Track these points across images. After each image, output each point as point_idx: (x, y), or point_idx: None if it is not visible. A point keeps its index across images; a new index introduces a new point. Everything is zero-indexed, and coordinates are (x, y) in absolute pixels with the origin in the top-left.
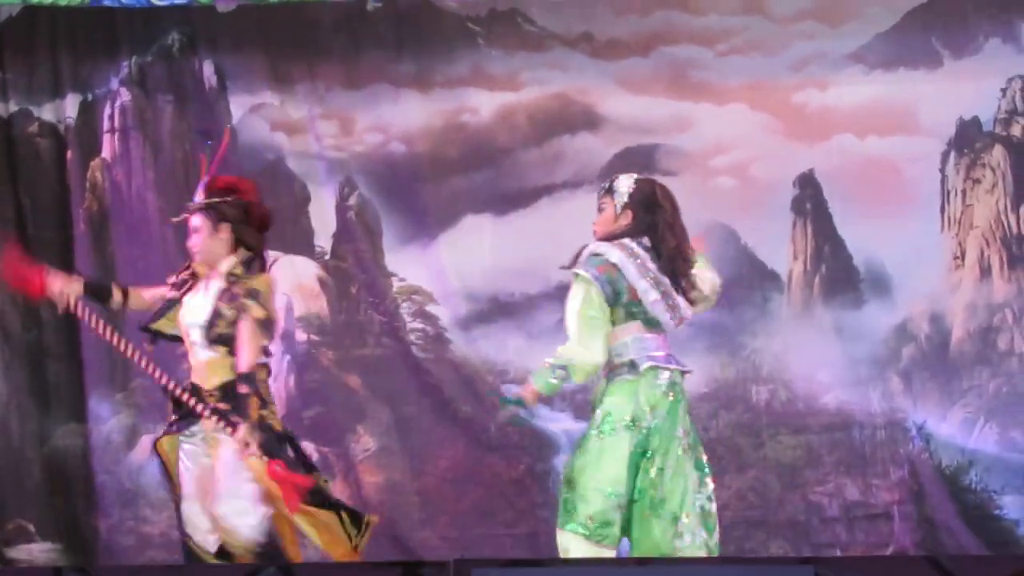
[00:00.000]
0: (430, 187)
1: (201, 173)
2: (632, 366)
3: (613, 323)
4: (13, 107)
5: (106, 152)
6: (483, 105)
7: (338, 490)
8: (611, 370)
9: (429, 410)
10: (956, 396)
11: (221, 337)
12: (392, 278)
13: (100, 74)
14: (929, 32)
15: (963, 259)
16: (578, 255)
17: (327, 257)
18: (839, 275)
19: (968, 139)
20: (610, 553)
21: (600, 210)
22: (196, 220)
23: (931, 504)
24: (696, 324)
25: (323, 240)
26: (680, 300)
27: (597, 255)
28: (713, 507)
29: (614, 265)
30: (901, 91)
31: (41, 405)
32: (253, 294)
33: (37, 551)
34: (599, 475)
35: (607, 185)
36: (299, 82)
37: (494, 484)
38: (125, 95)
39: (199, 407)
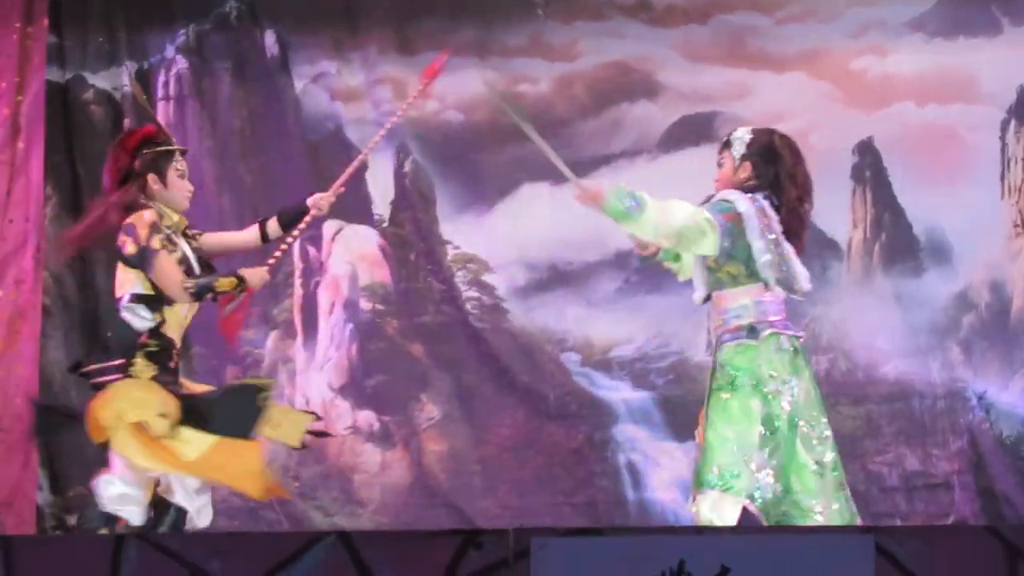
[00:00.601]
0: (487, 156)
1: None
2: (751, 330)
3: (733, 280)
4: (69, 74)
5: (161, 120)
6: (541, 75)
7: (400, 458)
8: (728, 332)
9: (488, 379)
10: (1017, 365)
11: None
12: (447, 246)
13: (156, 42)
14: (989, 0)
15: (1023, 227)
16: (709, 200)
17: (386, 224)
18: (899, 243)
19: None
20: (736, 504)
21: (719, 165)
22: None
23: (991, 474)
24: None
25: (381, 208)
26: (800, 269)
27: (727, 202)
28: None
29: (740, 215)
30: (961, 59)
31: None
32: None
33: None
34: (725, 429)
35: (725, 139)
36: (355, 49)
37: (554, 453)
38: (181, 63)
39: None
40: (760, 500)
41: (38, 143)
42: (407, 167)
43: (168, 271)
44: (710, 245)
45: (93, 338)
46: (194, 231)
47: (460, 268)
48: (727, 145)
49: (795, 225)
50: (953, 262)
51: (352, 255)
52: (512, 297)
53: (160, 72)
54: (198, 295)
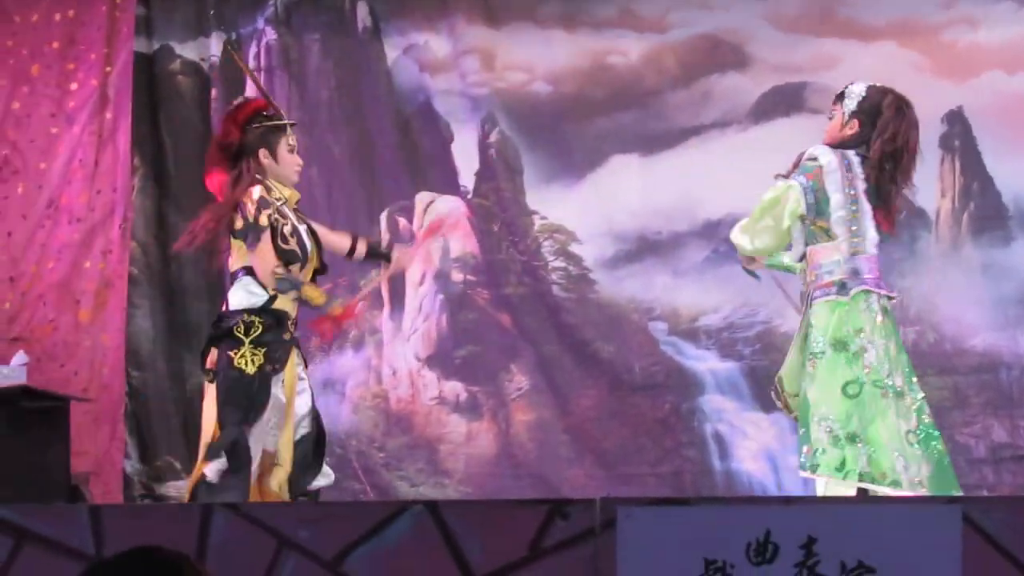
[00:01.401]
0: (575, 127)
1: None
2: (842, 287)
3: (825, 234)
4: (156, 44)
5: (249, 91)
6: (631, 47)
7: (487, 428)
8: (820, 288)
9: (571, 350)
10: None
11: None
12: (533, 216)
13: (245, 13)
14: None
15: None
16: (798, 160)
17: (470, 195)
18: (988, 212)
19: None
20: (837, 486)
21: (830, 117)
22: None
23: None
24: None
25: (467, 179)
26: (872, 232)
27: (813, 159)
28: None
29: (821, 169)
30: None
31: (183, 343)
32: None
33: (184, 487)
34: (812, 404)
35: (840, 92)
36: (443, 19)
37: (639, 424)
38: (271, 34)
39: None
40: (849, 471)
41: (125, 114)
42: (493, 137)
43: (264, 252)
44: (795, 207)
45: (179, 308)
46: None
47: (547, 238)
48: (840, 98)
49: (901, 184)
50: None
51: (444, 227)
52: (599, 268)
53: (251, 43)
54: (281, 290)
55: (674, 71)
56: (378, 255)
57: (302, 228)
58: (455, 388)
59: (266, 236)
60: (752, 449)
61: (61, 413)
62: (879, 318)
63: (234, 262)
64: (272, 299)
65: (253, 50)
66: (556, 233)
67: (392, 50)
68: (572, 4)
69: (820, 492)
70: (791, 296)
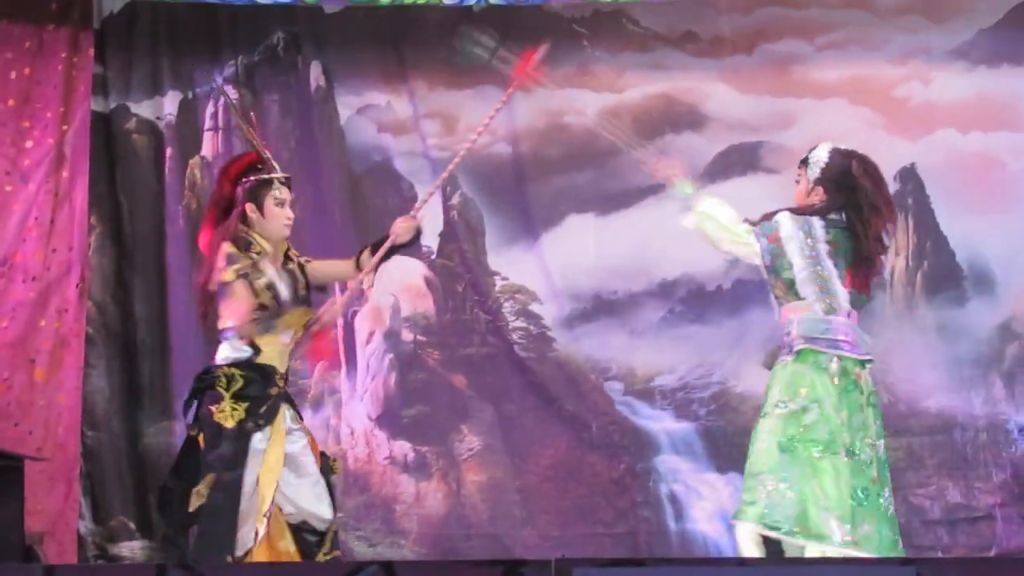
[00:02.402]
0: (533, 187)
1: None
2: (789, 348)
3: (783, 297)
4: (112, 103)
5: (206, 150)
6: (588, 105)
7: (436, 489)
8: (782, 348)
9: (532, 408)
10: None
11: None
12: (495, 277)
13: (203, 72)
14: None
15: None
16: (767, 216)
17: (434, 256)
18: (942, 272)
19: None
20: (748, 531)
21: (796, 181)
22: (289, 195)
23: None
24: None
25: (430, 239)
26: (841, 290)
27: (774, 224)
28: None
29: (780, 238)
30: (1004, 87)
31: (135, 402)
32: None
33: (137, 548)
34: (753, 458)
35: (804, 156)
36: (404, 82)
37: (595, 483)
38: (231, 93)
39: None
40: (774, 522)
41: (82, 172)
42: (455, 199)
43: (234, 306)
44: (751, 254)
45: (135, 368)
46: (304, 258)
47: (508, 299)
48: (804, 163)
49: (877, 250)
50: (997, 291)
51: (395, 286)
52: (558, 327)
53: (208, 102)
54: (263, 332)
55: (630, 130)
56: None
57: (282, 281)
58: (403, 448)
59: (239, 289)
60: (707, 510)
61: (15, 473)
62: (834, 379)
63: (220, 321)
64: (256, 353)
65: (211, 109)
66: (517, 293)
67: (345, 109)
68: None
69: (740, 540)
70: None
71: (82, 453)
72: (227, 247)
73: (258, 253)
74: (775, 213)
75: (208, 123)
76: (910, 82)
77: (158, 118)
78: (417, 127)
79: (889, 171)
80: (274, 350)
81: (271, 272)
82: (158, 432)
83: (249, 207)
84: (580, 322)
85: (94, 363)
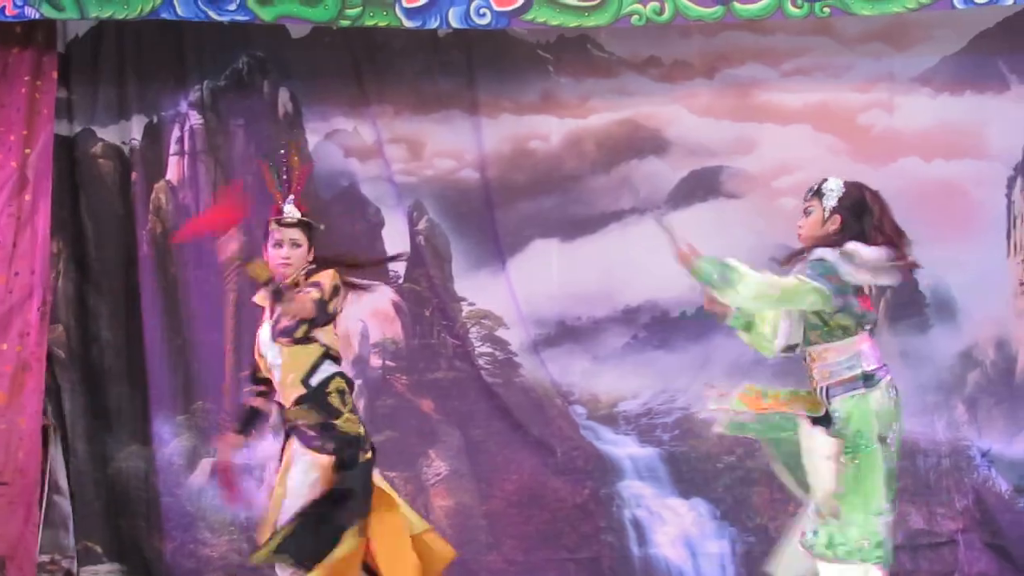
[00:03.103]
0: (499, 212)
1: (273, 186)
2: (868, 379)
3: (843, 333)
4: (77, 127)
5: (171, 175)
6: (552, 131)
7: None
8: (840, 384)
9: (498, 433)
10: (1022, 422)
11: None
12: (462, 302)
13: (168, 97)
14: (996, 56)
15: None
16: (794, 256)
17: (401, 281)
18: (905, 299)
19: None
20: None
21: (807, 213)
22: (296, 234)
23: (996, 532)
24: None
25: (397, 265)
26: (871, 313)
27: (824, 262)
28: None
29: (839, 274)
30: (968, 114)
31: (104, 427)
32: (314, 284)
33: (104, 572)
34: (857, 497)
35: (815, 188)
36: (369, 107)
37: (559, 508)
38: (195, 118)
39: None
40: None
41: (45, 196)
42: (422, 225)
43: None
44: (821, 303)
45: (102, 392)
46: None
47: (474, 324)
48: (818, 194)
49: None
50: (959, 319)
51: (364, 312)
52: (524, 352)
53: (173, 126)
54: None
55: (594, 156)
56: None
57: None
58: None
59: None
60: (670, 535)
61: None
62: (897, 400)
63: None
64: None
65: (176, 133)
66: (484, 319)
67: (313, 135)
68: (495, 89)
69: None
70: None
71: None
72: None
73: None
74: (801, 254)
75: (174, 147)
76: (874, 109)
77: (124, 142)
78: (382, 152)
79: None
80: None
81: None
82: (128, 456)
83: (263, 248)
84: (545, 347)
85: (60, 385)
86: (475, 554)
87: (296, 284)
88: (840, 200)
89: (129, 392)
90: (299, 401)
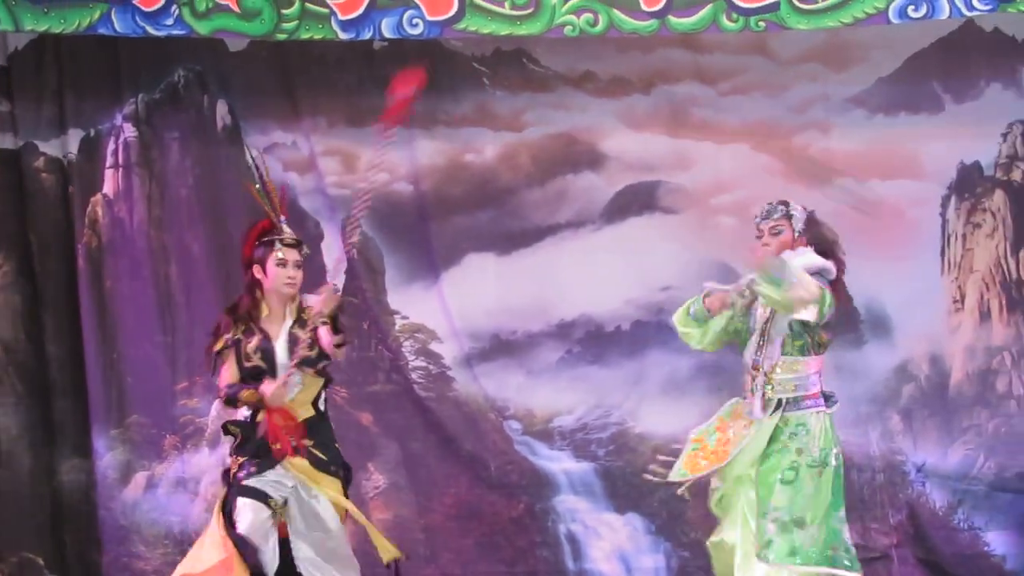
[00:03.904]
0: (433, 226)
1: (269, 205)
2: (828, 398)
3: (819, 349)
4: (21, 140)
5: (107, 188)
6: (487, 144)
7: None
8: (808, 398)
9: (434, 447)
10: (956, 434)
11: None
12: (395, 316)
13: (104, 110)
14: (931, 77)
15: (963, 303)
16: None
17: (340, 294)
18: (839, 316)
19: (969, 183)
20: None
21: (775, 232)
22: (298, 255)
23: (928, 546)
24: (697, 364)
25: (336, 277)
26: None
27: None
28: None
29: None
30: (903, 135)
31: (48, 440)
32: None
33: None
34: (836, 510)
35: (784, 209)
36: (305, 120)
37: (495, 522)
38: (130, 131)
39: None
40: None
41: None
42: (355, 238)
43: (222, 374)
44: (814, 313)
45: (46, 405)
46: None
47: (408, 338)
48: (787, 217)
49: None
50: (893, 335)
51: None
52: (458, 366)
53: (109, 140)
54: (229, 402)
55: (529, 169)
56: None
57: (284, 341)
58: None
59: (223, 359)
60: (605, 550)
61: None
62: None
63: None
64: (255, 414)
65: (111, 146)
66: (417, 333)
67: (252, 149)
68: (430, 102)
69: None
70: None
71: None
72: (222, 316)
73: (265, 316)
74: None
75: (109, 160)
76: (810, 130)
77: (64, 156)
78: (316, 165)
79: None
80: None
81: (256, 337)
82: (71, 470)
83: (256, 269)
84: (479, 362)
85: (2, 401)
86: (413, 567)
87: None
88: (806, 225)
89: (72, 405)
90: (308, 423)
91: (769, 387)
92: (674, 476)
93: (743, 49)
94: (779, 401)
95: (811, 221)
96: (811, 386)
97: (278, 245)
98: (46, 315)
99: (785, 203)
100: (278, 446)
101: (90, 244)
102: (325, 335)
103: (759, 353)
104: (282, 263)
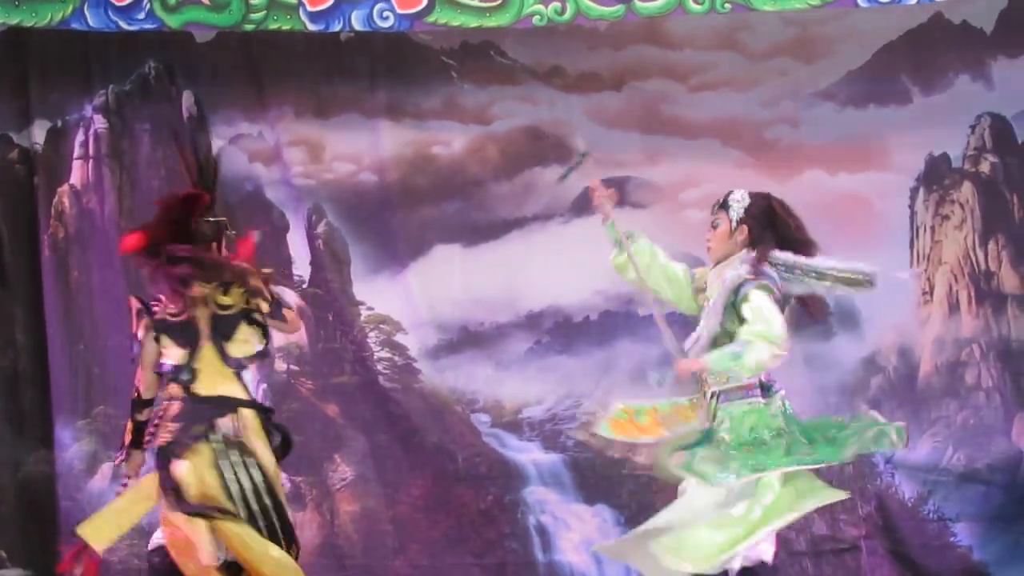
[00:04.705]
0: (400, 217)
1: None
2: (766, 389)
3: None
4: None
5: (75, 179)
6: (455, 137)
7: (311, 519)
8: (740, 389)
9: (400, 439)
10: (924, 425)
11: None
12: (360, 307)
13: (72, 101)
14: (899, 70)
15: (931, 294)
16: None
17: (305, 285)
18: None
19: (937, 175)
20: None
21: (714, 226)
22: None
23: (897, 537)
24: (665, 353)
25: (301, 269)
26: None
27: (767, 284)
28: None
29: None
30: (872, 128)
31: (15, 431)
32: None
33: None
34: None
35: (720, 201)
36: (270, 110)
37: (463, 514)
38: (100, 123)
39: None
40: None
41: None
42: (320, 228)
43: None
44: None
45: (12, 395)
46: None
47: (373, 329)
48: (724, 207)
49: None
50: (862, 327)
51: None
52: (424, 358)
53: (78, 131)
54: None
55: (497, 162)
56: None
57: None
58: None
59: (144, 343)
60: (575, 541)
61: None
62: (783, 418)
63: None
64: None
65: (80, 137)
66: (382, 324)
67: (218, 139)
68: (398, 94)
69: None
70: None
71: None
72: (135, 303)
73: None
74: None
75: (77, 151)
76: (779, 124)
77: (31, 147)
78: (281, 155)
79: None
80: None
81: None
82: (37, 461)
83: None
84: (446, 353)
85: None
86: (381, 559)
87: None
88: (747, 210)
89: (40, 396)
90: None
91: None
92: (599, 430)
93: (713, 45)
94: (714, 394)
95: (756, 205)
96: (743, 377)
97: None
98: (16, 306)
99: (729, 192)
100: None
101: (56, 235)
102: None
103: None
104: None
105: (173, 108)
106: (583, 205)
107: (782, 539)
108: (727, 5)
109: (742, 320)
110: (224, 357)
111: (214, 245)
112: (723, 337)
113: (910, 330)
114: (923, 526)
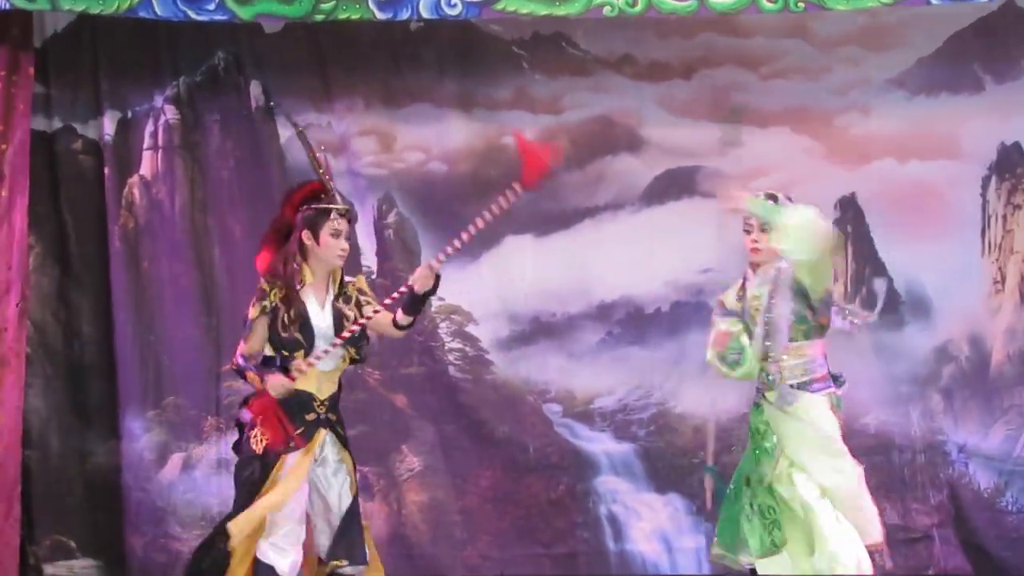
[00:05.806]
0: (471, 207)
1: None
2: (836, 379)
3: (821, 332)
4: (57, 124)
5: (145, 169)
6: (526, 127)
7: (378, 509)
8: (819, 380)
9: (468, 429)
10: (997, 415)
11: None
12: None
13: (142, 92)
14: (971, 57)
15: (1003, 284)
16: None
17: (374, 276)
18: (886, 297)
19: (1009, 164)
20: None
21: (765, 229)
22: (347, 226)
23: (971, 527)
24: None
25: (370, 259)
26: None
27: None
28: None
29: None
30: (943, 116)
31: (82, 422)
32: (363, 292)
33: (78, 567)
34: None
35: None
36: (339, 100)
37: (533, 504)
38: (171, 113)
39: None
40: None
41: (22, 192)
42: (390, 219)
43: (250, 339)
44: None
45: (80, 388)
46: (374, 307)
47: (444, 319)
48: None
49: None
50: (933, 317)
51: None
52: (495, 349)
53: (147, 122)
54: (239, 373)
55: (568, 152)
56: (411, 305)
57: (325, 314)
58: None
59: (256, 323)
60: (646, 530)
61: None
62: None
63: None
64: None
65: (150, 128)
66: (453, 314)
67: (285, 129)
68: (468, 85)
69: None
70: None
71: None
72: (263, 281)
73: (301, 284)
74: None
75: (147, 142)
76: (850, 112)
77: (101, 138)
78: (350, 145)
79: (829, 200)
80: (311, 376)
81: (298, 306)
82: (107, 452)
83: (305, 235)
84: (518, 344)
85: (31, 382)
86: (450, 549)
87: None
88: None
89: (108, 388)
90: (333, 399)
91: (779, 375)
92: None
93: (783, 33)
94: (792, 386)
95: None
96: (818, 369)
97: (334, 214)
98: (82, 297)
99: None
100: (265, 437)
101: (126, 225)
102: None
103: (767, 343)
104: (337, 233)
105: (242, 99)
106: (654, 195)
107: None
108: (800, 4)
109: (806, 297)
110: None
111: (304, 233)
112: (800, 323)
113: (981, 319)
114: (1000, 518)
